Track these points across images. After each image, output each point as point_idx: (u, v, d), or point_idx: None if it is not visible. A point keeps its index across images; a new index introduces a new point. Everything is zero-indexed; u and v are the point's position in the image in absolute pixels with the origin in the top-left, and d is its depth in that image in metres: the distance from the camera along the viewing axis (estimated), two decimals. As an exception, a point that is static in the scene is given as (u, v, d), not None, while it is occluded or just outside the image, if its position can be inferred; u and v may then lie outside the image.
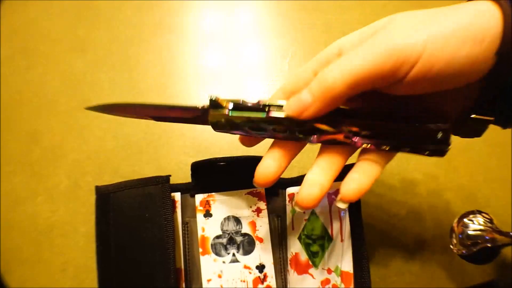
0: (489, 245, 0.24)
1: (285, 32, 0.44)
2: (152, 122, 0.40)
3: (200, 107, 0.25)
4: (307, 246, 0.33)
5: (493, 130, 0.23)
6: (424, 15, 0.22)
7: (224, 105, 0.24)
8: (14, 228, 0.37)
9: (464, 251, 0.25)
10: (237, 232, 0.34)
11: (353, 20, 0.44)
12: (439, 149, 0.23)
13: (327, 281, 0.31)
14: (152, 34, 0.44)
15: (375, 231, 0.37)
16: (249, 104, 0.24)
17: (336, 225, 0.32)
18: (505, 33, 0.20)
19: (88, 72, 0.42)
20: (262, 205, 0.35)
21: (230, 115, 0.24)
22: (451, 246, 0.26)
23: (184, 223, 0.35)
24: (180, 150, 0.39)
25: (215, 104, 0.24)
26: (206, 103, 0.24)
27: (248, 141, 0.27)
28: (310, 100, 0.22)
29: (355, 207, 0.32)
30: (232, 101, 0.24)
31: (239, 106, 0.24)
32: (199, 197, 0.35)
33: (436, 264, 0.35)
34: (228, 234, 0.34)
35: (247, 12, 0.46)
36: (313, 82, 0.22)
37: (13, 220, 0.37)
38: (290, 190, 0.34)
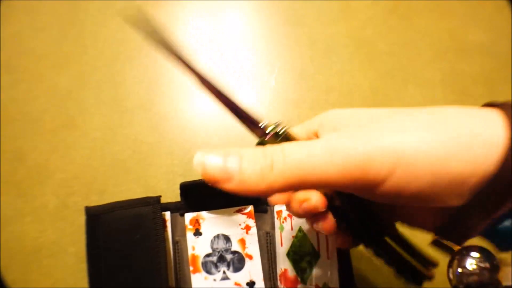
0: (490, 286, 0.25)
1: (270, 47, 0.45)
2: (139, 140, 0.40)
3: (263, 128, 0.22)
4: (295, 262, 0.34)
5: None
6: (414, 118, 0.18)
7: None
8: (1, 249, 0.37)
9: None
10: (227, 250, 0.35)
11: (338, 34, 0.45)
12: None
13: (315, 297, 0.32)
14: (137, 49, 0.44)
15: (360, 248, 0.38)
16: None
17: (323, 243, 0.33)
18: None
19: (73, 89, 0.42)
20: (251, 222, 0.35)
21: None
22: None
23: (175, 242, 0.35)
24: (168, 169, 0.39)
25: (277, 136, 0.22)
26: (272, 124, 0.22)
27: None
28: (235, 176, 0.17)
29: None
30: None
31: None
32: (188, 216, 0.35)
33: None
34: (218, 252, 0.35)
35: (232, 27, 0.46)
36: (249, 157, 0.17)
37: (1, 241, 0.37)
38: (278, 207, 0.35)
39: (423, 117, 0.18)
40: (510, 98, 0.43)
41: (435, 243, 0.21)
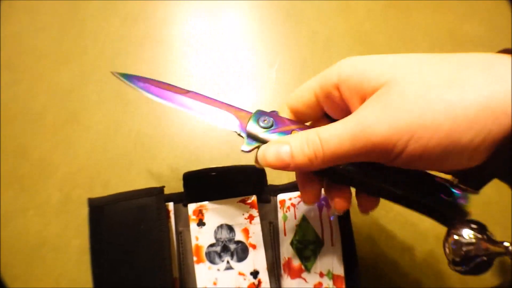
0: (484, 258, 0.25)
1: (271, 40, 0.45)
2: (142, 133, 0.40)
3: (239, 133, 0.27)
4: (299, 251, 0.34)
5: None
6: (430, 81, 0.19)
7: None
8: (4, 244, 0.37)
9: (461, 269, 0.26)
10: (230, 240, 0.35)
11: (338, 28, 0.46)
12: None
13: (319, 285, 0.32)
14: (138, 45, 0.44)
15: (364, 234, 0.38)
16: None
17: (326, 230, 0.33)
18: None
19: (75, 84, 0.42)
20: (254, 212, 0.35)
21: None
22: (449, 266, 0.26)
23: (178, 233, 0.35)
24: (171, 160, 0.40)
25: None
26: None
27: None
28: (288, 160, 0.22)
29: (344, 212, 0.33)
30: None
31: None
32: (192, 207, 0.35)
33: (426, 265, 0.37)
34: (222, 242, 0.35)
35: (233, 22, 0.46)
36: (297, 142, 0.22)
37: (4, 236, 0.37)
38: (281, 196, 0.35)
39: (440, 72, 0.20)
40: None
41: (455, 186, 0.23)
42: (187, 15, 0.47)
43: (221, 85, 0.43)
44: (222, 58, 0.44)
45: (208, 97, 0.29)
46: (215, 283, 0.34)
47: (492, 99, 0.18)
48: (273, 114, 0.26)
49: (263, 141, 0.25)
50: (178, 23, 0.46)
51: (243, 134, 0.26)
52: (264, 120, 0.25)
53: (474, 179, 0.22)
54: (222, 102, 0.28)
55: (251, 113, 0.26)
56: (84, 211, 0.34)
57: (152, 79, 0.30)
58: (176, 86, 0.29)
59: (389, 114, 0.19)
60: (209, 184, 0.35)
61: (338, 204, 0.26)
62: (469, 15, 0.47)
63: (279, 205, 0.35)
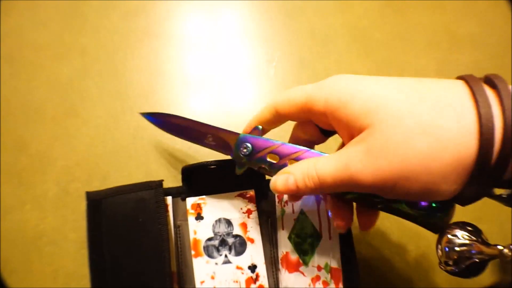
0: (477, 260, 0.25)
1: (270, 37, 0.45)
2: (141, 127, 0.40)
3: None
4: (297, 245, 0.34)
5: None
6: (409, 127, 0.21)
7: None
8: (2, 238, 0.37)
9: (453, 269, 0.26)
10: (228, 234, 0.35)
11: (337, 24, 0.46)
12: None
13: (317, 278, 0.32)
14: (138, 40, 0.44)
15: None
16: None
17: (324, 224, 0.33)
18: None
19: (75, 79, 0.42)
20: (252, 206, 0.35)
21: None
22: (440, 266, 0.26)
23: (176, 227, 0.35)
24: (169, 154, 0.40)
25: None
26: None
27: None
28: (299, 187, 0.25)
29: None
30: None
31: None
32: (190, 201, 0.35)
33: (423, 260, 0.37)
34: (220, 236, 0.35)
35: (231, 17, 0.46)
36: (298, 173, 0.25)
37: (1, 230, 0.37)
38: (279, 191, 0.35)
39: (414, 122, 0.21)
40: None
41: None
42: (186, 11, 0.47)
43: (220, 81, 0.43)
44: (221, 54, 0.45)
45: (207, 125, 0.32)
46: (213, 277, 0.34)
47: (464, 153, 0.20)
48: (253, 138, 0.28)
49: (249, 165, 0.29)
50: (178, 18, 0.46)
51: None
52: (244, 149, 0.28)
53: (458, 200, 0.23)
54: (218, 128, 0.32)
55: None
56: (82, 205, 0.33)
57: (167, 115, 0.35)
58: (183, 118, 0.33)
59: (372, 162, 0.21)
60: (208, 178, 0.35)
61: (338, 224, 0.28)
62: (466, 14, 0.48)
63: (277, 200, 0.35)
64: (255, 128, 0.29)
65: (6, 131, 0.40)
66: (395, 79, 0.23)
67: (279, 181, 0.26)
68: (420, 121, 0.20)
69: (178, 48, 0.45)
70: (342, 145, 0.29)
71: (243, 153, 0.28)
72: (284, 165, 0.27)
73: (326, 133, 0.29)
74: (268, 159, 0.28)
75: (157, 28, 0.45)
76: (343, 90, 0.23)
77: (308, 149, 0.27)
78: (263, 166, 0.28)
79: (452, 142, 0.20)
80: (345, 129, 0.24)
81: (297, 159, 0.27)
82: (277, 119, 0.28)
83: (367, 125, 0.22)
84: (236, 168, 0.30)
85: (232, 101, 0.42)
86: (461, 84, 0.21)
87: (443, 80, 0.22)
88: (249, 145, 0.28)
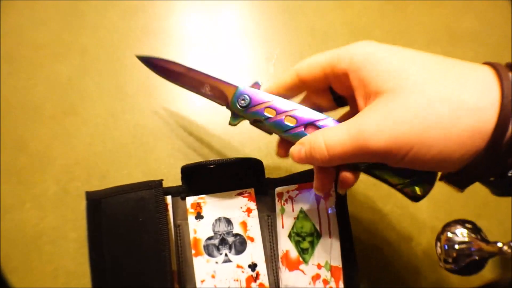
0: (476, 257, 0.25)
1: (269, 34, 0.45)
2: (140, 125, 0.40)
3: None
4: (297, 243, 0.34)
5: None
6: (430, 95, 0.21)
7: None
8: (2, 237, 0.37)
9: (452, 267, 0.26)
10: (228, 233, 0.35)
11: (336, 22, 0.46)
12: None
13: (317, 276, 0.32)
14: (138, 39, 0.44)
15: (361, 226, 0.38)
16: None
17: (324, 222, 0.33)
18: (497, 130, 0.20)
19: (74, 78, 0.42)
20: (252, 205, 0.35)
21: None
22: (440, 264, 0.26)
23: (176, 226, 0.35)
24: (169, 153, 0.40)
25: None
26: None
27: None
28: (304, 158, 0.25)
29: (341, 204, 0.33)
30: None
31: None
32: (190, 200, 0.35)
33: (423, 257, 0.37)
34: (220, 235, 0.35)
35: (231, 15, 0.46)
36: (307, 145, 0.25)
37: (1, 229, 0.37)
38: (278, 189, 0.35)
39: (438, 87, 0.21)
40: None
41: (443, 180, 0.25)
42: (185, 9, 0.46)
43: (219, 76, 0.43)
44: (220, 52, 0.44)
45: (205, 74, 0.31)
46: (213, 276, 0.34)
47: (483, 123, 0.20)
48: (252, 90, 0.29)
49: (244, 117, 0.29)
50: (177, 17, 0.46)
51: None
52: (242, 100, 0.28)
53: (459, 180, 0.23)
54: (216, 79, 0.31)
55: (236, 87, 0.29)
56: (81, 204, 0.34)
57: (165, 60, 0.33)
58: (181, 65, 0.33)
59: (390, 125, 0.21)
60: (207, 177, 0.35)
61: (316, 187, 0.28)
62: (466, 11, 0.47)
63: (276, 198, 0.35)
64: (255, 82, 0.29)
65: (5, 130, 0.40)
66: (422, 53, 0.23)
67: (293, 151, 0.26)
68: (444, 90, 0.21)
69: (178, 47, 0.45)
70: (347, 115, 0.29)
71: (240, 104, 0.28)
72: (280, 121, 0.27)
73: (338, 103, 0.29)
74: (265, 113, 0.28)
75: (157, 27, 0.45)
76: (371, 51, 0.23)
77: (305, 107, 0.27)
78: (258, 119, 0.28)
79: (472, 112, 0.20)
80: (363, 91, 0.23)
81: (293, 116, 0.27)
82: (296, 84, 0.27)
83: (388, 88, 0.22)
84: (230, 119, 0.30)
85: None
86: (486, 68, 0.22)
87: (469, 63, 0.23)
88: (247, 97, 0.28)
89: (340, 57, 0.24)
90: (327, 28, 0.45)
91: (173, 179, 0.36)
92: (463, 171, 0.22)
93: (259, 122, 0.28)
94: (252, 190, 0.36)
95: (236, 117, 0.29)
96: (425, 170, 0.23)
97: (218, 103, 0.31)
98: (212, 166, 0.34)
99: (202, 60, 0.44)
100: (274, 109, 0.27)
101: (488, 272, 0.35)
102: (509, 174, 0.21)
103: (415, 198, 0.25)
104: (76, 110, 0.41)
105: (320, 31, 0.45)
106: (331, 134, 0.24)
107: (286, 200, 0.35)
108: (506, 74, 0.21)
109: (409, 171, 0.24)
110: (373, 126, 0.22)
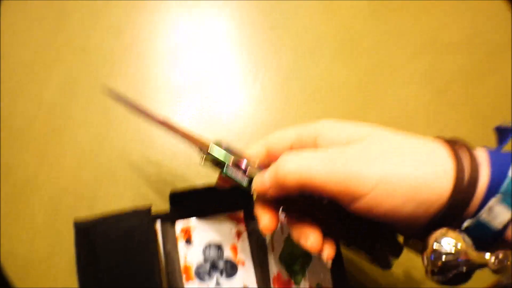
0: (463, 269, 0.25)
1: (254, 51, 0.45)
2: (128, 148, 0.40)
3: (202, 151, 0.28)
4: (288, 265, 0.34)
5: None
6: (390, 145, 0.23)
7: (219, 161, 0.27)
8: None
9: (439, 278, 0.25)
10: (219, 258, 0.35)
11: (321, 35, 0.46)
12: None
13: (309, 299, 0.32)
14: (123, 58, 0.44)
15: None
16: (238, 175, 0.27)
17: (314, 244, 0.33)
18: (453, 197, 0.21)
19: (60, 100, 0.42)
20: (242, 227, 0.35)
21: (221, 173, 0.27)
22: (427, 275, 0.26)
23: (166, 253, 0.35)
24: (157, 177, 0.39)
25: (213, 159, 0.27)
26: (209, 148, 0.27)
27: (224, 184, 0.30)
28: (268, 185, 0.25)
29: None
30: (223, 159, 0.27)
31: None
32: (179, 225, 0.35)
33: (413, 269, 0.37)
34: (211, 259, 0.35)
35: (215, 33, 0.46)
36: (270, 169, 0.25)
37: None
38: (268, 211, 0.35)
39: (399, 146, 0.23)
40: (500, 88, 0.44)
41: (406, 244, 0.25)
42: (171, 27, 0.46)
43: (206, 97, 0.43)
44: (205, 69, 0.44)
45: (176, 129, 0.31)
46: (205, 301, 0.34)
47: (429, 174, 0.21)
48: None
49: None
50: (162, 35, 0.46)
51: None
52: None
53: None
54: (188, 135, 0.30)
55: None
56: (71, 232, 0.33)
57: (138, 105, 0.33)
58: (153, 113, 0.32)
59: (363, 161, 0.22)
60: (196, 200, 0.35)
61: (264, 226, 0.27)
62: (448, 20, 0.47)
63: (267, 220, 0.35)
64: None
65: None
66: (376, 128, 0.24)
67: (255, 182, 0.26)
68: (394, 149, 0.23)
69: (163, 65, 0.44)
70: None
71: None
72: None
73: None
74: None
75: (141, 45, 0.45)
76: (337, 120, 0.26)
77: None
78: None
79: (418, 167, 0.22)
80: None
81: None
82: (264, 156, 0.28)
83: (360, 137, 0.23)
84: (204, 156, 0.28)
85: (220, 117, 0.42)
86: (440, 141, 0.23)
87: (421, 138, 0.24)
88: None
89: (309, 126, 0.26)
90: (312, 42, 0.45)
91: (162, 201, 0.36)
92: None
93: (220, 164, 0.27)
94: (241, 212, 0.36)
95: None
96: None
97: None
98: (200, 189, 0.34)
99: (188, 79, 0.44)
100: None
101: (487, 275, 0.35)
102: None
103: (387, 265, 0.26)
104: (61, 134, 0.40)
105: (306, 45, 0.45)
106: (288, 161, 0.24)
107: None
108: (459, 152, 0.22)
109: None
110: (351, 157, 0.22)
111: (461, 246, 0.25)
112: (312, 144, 0.25)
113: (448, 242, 0.26)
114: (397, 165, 0.22)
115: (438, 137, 0.24)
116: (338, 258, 0.33)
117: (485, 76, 0.45)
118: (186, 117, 0.42)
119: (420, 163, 0.22)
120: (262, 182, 0.25)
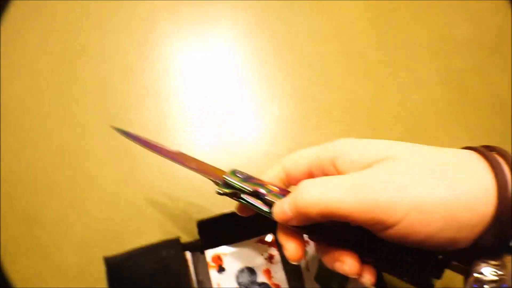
0: None
1: (267, 75, 0.45)
2: (150, 184, 0.40)
3: (217, 182, 0.28)
4: (324, 286, 0.33)
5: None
6: (419, 164, 0.21)
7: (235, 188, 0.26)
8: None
9: None
10: (253, 282, 0.34)
11: (331, 52, 0.46)
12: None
13: (351, 319, 0.31)
14: (140, 98, 0.45)
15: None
16: (258, 203, 0.25)
17: (350, 261, 0.32)
18: (498, 219, 0.19)
19: (80, 142, 0.43)
20: (274, 251, 0.34)
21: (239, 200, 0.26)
22: None
23: (199, 282, 0.34)
24: (183, 207, 0.39)
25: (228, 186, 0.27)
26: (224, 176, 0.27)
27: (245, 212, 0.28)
28: (289, 215, 0.23)
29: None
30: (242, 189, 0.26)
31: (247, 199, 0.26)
32: (209, 253, 0.35)
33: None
34: (244, 285, 0.34)
35: (227, 58, 0.47)
36: (290, 198, 0.23)
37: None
38: (298, 231, 0.35)
39: (428, 163, 0.21)
40: (503, 87, 0.43)
41: (447, 266, 0.23)
42: (179, 49, 0.47)
43: (223, 124, 0.43)
44: (221, 98, 0.45)
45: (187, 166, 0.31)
46: (243, 330, 0.32)
47: (468, 193, 0.19)
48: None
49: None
50: (172, 58, 0.47)
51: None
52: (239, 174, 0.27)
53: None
54: (200, 170, 0.30)
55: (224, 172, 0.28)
56: (103, 270, 0.33)
57: (147, 140, 0.33)
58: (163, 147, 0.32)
59: (390, 188, 0.20)
60: (224, 228, 0.35)
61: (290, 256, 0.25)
62: (455, 18, 0.47)
63: (298, 241, 0.34)
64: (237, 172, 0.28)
65: (16, 202, 0.40)
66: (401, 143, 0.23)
67: (275, 211, 0.24)
68: (430, 170, 0.20)
69: (176, 88, 0.45)
70: None
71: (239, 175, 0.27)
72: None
73: None
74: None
75: (157, 83, 0.46)
76: (356, 139, 0.24)
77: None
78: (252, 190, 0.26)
79: (457, 187, 0.20)
80: (356, 169, 0.22)
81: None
82: (281, 178, 0.27)
83: (386, 156, 0.21)
84: (220, 187, 0.27)
85: (239, 143, 0.42)
86: (474, 155, 0.21)
87: (451, 150, 0.22)
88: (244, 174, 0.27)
89: (324, 149, 0.24)
90: (323, 59, 0.46)
91: (190, 233, 0.36)
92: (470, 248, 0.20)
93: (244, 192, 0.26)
94: (272, 236, 0.35)
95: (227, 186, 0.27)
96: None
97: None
98: (227, 215, 0.34)
99: (204, 109, 0.44)
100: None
101: None
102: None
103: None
104: (85, 175, 0.41)
105: (317, 63, 0.46)
106: (308, 190, 0.22)
107: (307, 242, 0.34)
108: (497, 163, 0.20)
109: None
110: (378, 182, 0.20)
111: (501, 273, 0.24)
112: (331, 165, 0.24)
113: (489, 271, 0.24)
114: (430, 187, 0.20)
115: (469, 147, 0.22)
116: (379, 279, 0.32)
117: (500, 73, 0.44)
118: (204, 148, 0.42)
119: (456, 182, 0.20)
120: (282, 211, 0.23)
